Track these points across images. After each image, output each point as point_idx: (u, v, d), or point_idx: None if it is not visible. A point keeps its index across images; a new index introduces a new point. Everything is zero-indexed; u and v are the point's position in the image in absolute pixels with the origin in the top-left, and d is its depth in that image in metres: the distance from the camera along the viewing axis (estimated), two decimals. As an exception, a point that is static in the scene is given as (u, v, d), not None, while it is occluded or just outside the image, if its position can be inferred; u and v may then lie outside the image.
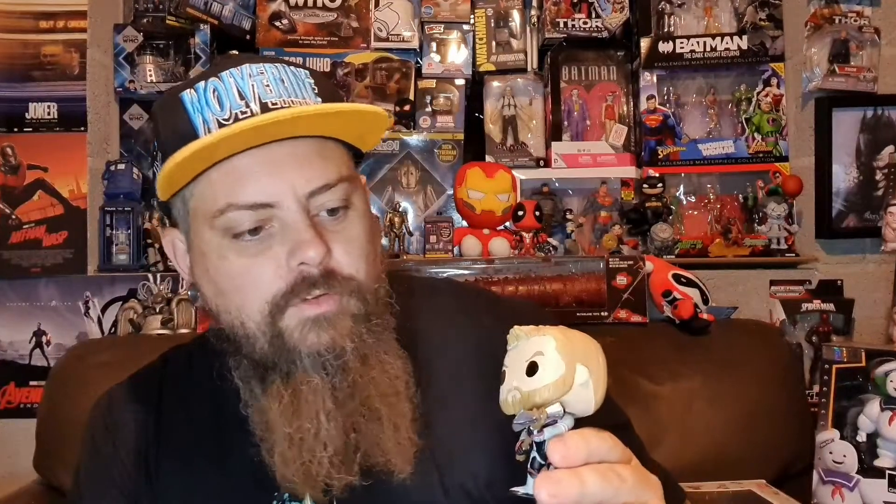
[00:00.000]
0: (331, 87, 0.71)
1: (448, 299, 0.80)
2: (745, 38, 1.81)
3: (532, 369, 0.48)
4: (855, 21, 1.70)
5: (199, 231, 0.67)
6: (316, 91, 0.67)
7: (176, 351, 0.82)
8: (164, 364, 0.81)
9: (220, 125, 0.62)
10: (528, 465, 0.48)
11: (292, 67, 0.68)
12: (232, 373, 0.69)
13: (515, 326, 0.51)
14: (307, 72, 0.69)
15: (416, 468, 0.69)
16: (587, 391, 0.48)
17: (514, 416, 0.49)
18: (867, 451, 1.18)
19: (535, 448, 0.48)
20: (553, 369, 0.47)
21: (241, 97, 0.64)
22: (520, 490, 0.48)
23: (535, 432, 0.48)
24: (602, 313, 1.52)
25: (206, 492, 0.72)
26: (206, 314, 0.70)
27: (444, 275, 1.56)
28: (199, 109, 0.64)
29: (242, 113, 0.63)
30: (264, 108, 0.63)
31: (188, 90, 0.65)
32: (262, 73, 0.65)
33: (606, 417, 0.73)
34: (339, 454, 0.65)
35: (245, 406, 0.68)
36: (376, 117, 0.68)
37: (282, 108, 0.63)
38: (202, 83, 0.65)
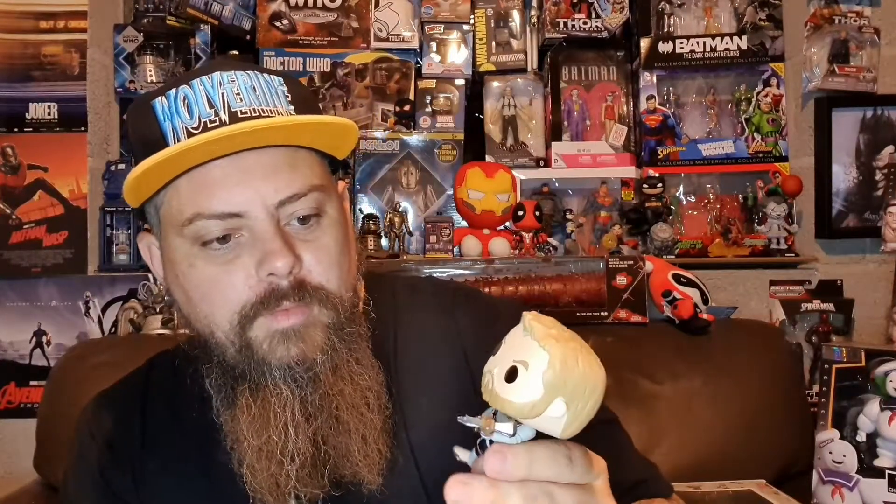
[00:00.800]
0: (306, 94, 0.71)
1: (427, 298, 0.81)
2: (744, 38, 1.81)
3: (511, 375, 0.43)
4: (855, 21, 1.70)
5: (170, 238, 0.67)
6: (289, 99, 0.67)
7: (162, 356, 0.82)
8: (149, 369, 0.82)
9: (189, 134, 0.62)
10: (476, 443, 0.46)
11: (266, 75, 0.67)
12: (206, 380, 0.69)
13: (532, 314, 0.46)
14: (281, 79, 0.68)
15: (397, 468, 0.70)
16: (557, 424, 0.43)
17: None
18: (867, 451, 1.18)
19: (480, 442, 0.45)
20: (527, 391, 0.42)
21: (211, 105, 0.63)
22: (459, 454, 0.47)
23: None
24: (602, 313, 1.52)
25: (192, 496, 0.73)
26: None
27: (445, 275, 1.56)
28: (169, 117, 0.64)
29: (211, 122, 0.62)
30: (233, 117, 0.63)
31: (160, 97, 0.65)
32: (234, 80, 0.64)
33: None
34: (307, 466, 0.65)
35: (217, 415, 0.69)
36: (345, 128, 0.68)
37: (251, 116, 0.63)
38: (173, 90, 0.64)
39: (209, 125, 0.62)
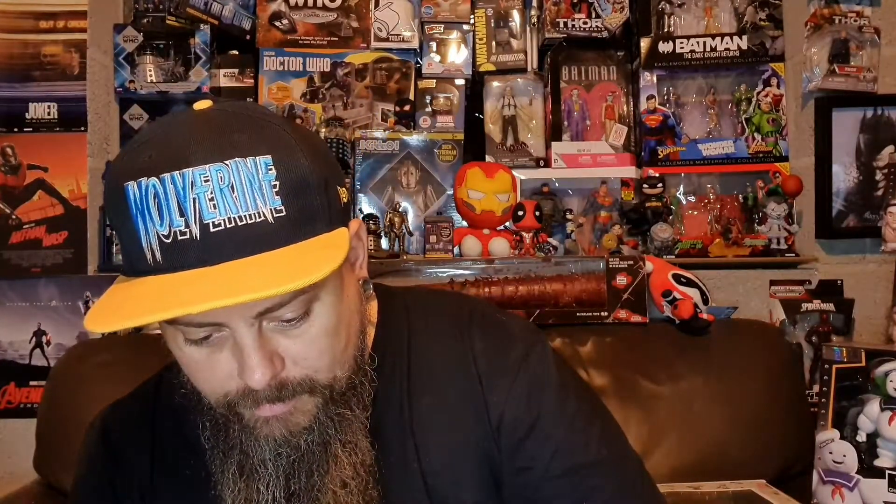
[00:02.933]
0: (301, 170, 0.61)
1: (441, 320, 0.79)
2: (745, 38, 1.81)
3: None
4: (855, 21, 1.70)
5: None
6: (276, 188, 0.59)
7: (170, 371, 0.80)
8: (158, 383, 0.81)
9: (161, 242, 0.58)
10: None
11: (252, 159, 0.58)
12: (200, 430, 0.69)
13: None
14: (269, 159, 0.59)
15: (408, 496, 0.71)
16: None
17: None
18: (867, 451, 1.18)
19: None
20: None
21: (181, 213, 0.57)
22: None
23: None
24: (602, 313, 1.52)
25: None
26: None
27: (444, 275, 1.56)
28: (140, 213, 0.58)
29: (182, 234, 0.57)
30: (204, 229, 0.57)
31: (132, 184, 0.59)
32: (208, 180, 0.57)
33: (568, 457, 0.73)
34: None
35: (214, 472, 0.69)
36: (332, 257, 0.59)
37: (224, 227, 0.57)
38: (144, 181, 0.58)
39: (179, 236, 0.58)
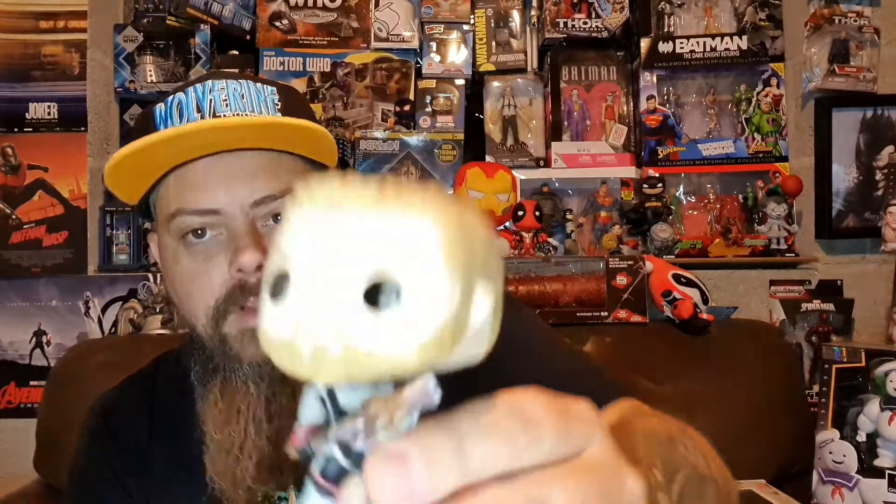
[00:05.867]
0: (298, 103, 0.73)
1: None
2: (745, 38, 1.81)
3: (373, 296, 0.22)
4: (855, 21, 1.70)
5: (161, 235, 0.70)
6: (278, 106, 0.70)
7: (168, 354, 0.84)
8: (156, 366, 0.83)
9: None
10: (319, 470, 0.25)
11: (260, 84, 0.70)
12: (192, 373, 0.72)
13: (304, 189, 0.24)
14: (274, 88, 0.71)
15: None
16: (483, 336, 0.24)
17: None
18: (867, 451, 1.18)
19: (339, 451, 0.24)
20: (426, 303, 0.22)
21: (199, 110, 0.67)
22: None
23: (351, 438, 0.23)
24: (602, 313, 1.52)
25: (196, 493, 0.73)
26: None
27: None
28: (164, 121, 0.67)
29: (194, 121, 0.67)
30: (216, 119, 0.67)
31: (160, 104, 0.69)
32: (223, 88, 0.68)
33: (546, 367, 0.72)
34: (265, 466, 0.67)
35: (200, 407, 0.71)
36: (310, 131, 0.68)
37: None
38: (171, 97, 0.68)
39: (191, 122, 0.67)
